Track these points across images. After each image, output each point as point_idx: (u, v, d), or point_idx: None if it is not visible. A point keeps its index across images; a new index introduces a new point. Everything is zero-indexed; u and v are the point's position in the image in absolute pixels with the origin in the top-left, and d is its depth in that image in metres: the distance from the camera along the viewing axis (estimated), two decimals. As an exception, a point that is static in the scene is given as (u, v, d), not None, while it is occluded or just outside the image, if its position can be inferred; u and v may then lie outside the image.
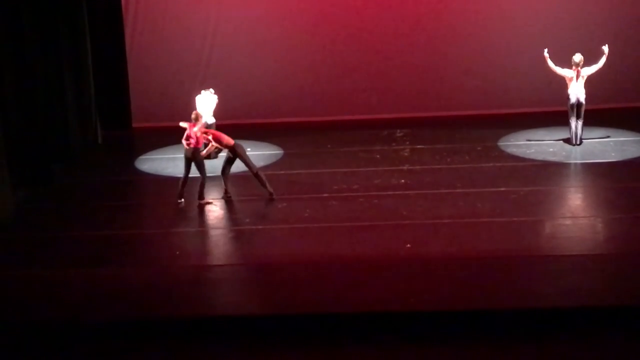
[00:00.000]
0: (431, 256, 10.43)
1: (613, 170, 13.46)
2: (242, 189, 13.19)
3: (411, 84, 17.52)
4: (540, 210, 11.92)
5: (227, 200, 12.76)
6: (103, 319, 9.11)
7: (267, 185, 12.68)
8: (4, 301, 9.57)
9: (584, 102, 14.56)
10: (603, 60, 14.58)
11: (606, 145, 14.72)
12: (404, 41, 17.49)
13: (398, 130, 16.34)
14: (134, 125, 17.70)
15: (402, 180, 13.31)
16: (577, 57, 14.57)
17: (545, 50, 14.69)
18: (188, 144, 12.58)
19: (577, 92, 14.58)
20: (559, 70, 14.66)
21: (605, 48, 14.58)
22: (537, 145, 14.97)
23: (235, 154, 12.68)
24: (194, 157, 12.58)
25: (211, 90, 15.18)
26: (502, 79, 17.41)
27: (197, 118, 12.68)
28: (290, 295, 9.43)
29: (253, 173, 12.74)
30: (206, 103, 15.10)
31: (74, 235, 11.59)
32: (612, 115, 16.19)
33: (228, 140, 12.66)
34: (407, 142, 15.56)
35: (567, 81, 14.65)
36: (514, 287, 9.41)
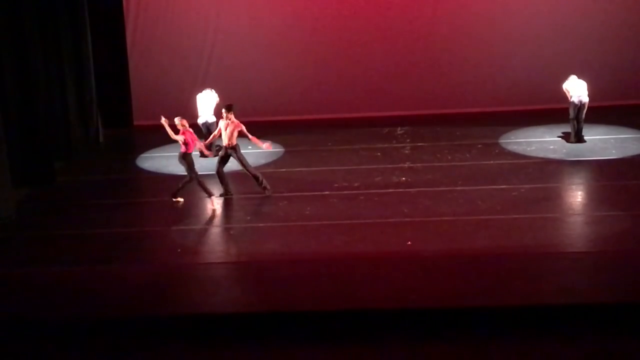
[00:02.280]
0: (432, 253, 10.44)
1: (613, 167, 13.47)
2: (242, 187, 13.22)
3: (412, 82, 17.53)
4: (540, 208, 11.92)
5: (228, 198, 12.78)
6: (104, 316, 9.13)
7: (265, 183, 12.69)
8: (5, 299, 9.60)
9: (586, 103, 14.59)
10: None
11: (606, 143, 14.74)
12: (405, 40, 17.50)
13: (399, 128, 16.37)
14: (135, 123, 17.73)
15: (403, 178, 13.33)
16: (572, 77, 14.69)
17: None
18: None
19: (579, 92, 14.61)
20: (567, 92, 14.75)
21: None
22: (538, 142, 14.99)
23: (234, 153, 12.69)
24: (186, 160, 12.61)
25: (212, 90, 15.22)
26: (503, 77, 17.42)
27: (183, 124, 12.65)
28: (291, 292, 9.44)
29: (251, 173, 12.74)
30: (207, 102, 15.13)
31: (75, 233, 11.62)
32: (613, 113, 16.19)
33: (234, 139, 12.65)
34: (408, 140, 15.58)
35: (569, 91, 14.71)
36: (514, 284, 9.41)
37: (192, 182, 12.62)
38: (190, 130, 12.64)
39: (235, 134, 12.70)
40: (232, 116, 12.72)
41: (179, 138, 12.51)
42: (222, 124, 12.82)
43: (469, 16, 17.45)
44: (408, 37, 17.50)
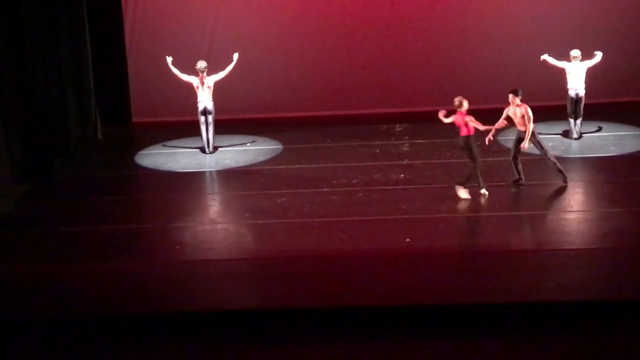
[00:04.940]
0: (430, 250, 10.45)
1: (612, 164, 13.48)
2: (239, 184, 13.23)
3: (410, 79, 17.52)
4: (539, 205, 11.93)
5: (519, 185, 12.54)
6: (102, 313, 9.13)
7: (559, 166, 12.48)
8: (4, 296, 9.59)
9: (583, 96, 14.61)
10: (595, 61, 14.68)
11: (605, 140, 14.74)
12: (403, 37, 17.50)
13: (397, 125, 16.37)
14: (134, 120, 17.73)
15: (402, 175, 13.33)
16: (575, 52, 14.63)
17: (546, 55, 14.73)
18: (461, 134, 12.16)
19: (576, 86, 14.62)
20: (559, 63, 14.72)
21: (598, 54, 14.64)
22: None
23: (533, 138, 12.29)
24: (467, 146, 12.15)
25: (205, 63, 14.86)
26: (501, 74, 17.41)
27: (461, 104, 12.14)
28: (290, 289, 9.45)
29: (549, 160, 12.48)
30: (205, 86, 14.84)
31: (74, 230, 11.61)
32: (611, 110, 16.19)
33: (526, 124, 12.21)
34: (407, 137, 15.58)
35: (566, 75, 14.69)
36: (512, 281, 9.43)
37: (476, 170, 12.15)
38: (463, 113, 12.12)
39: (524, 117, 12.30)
40: (517, 100, 12.37)
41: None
42: (511, 110, 12.49)
43: (467, 13, 17.45)
44: (407, 34, 17.49)
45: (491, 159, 14.00)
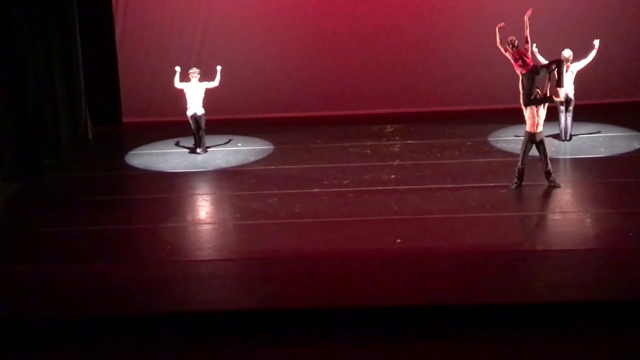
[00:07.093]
0: (421, 251, 10.46)
1: (602, 165, 13.53)
2: (233, 184, 13.22)
3: (402, 80, 17.53)
4: (529, 206, 11.96)
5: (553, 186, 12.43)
6: (93, 314, 9.11)
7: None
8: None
9: (572, 97, 14.65)
10: (592, 54, 14.67)
11: (595, 141, 14.78)
12: (395, 37, 17.50)
13: (388, 126, 16.38)
14: (124, 120, 17.68)
15: (392, 176, 13.34)
16: (567, 52, 14.65)
17: (534, 45, 14.76)
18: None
19: (566, 87, 14.63)
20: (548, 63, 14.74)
21: (596, 42, 14.66)
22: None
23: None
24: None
25: (197, 71, 14.92)
26: (492, 75, 17.44)
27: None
28: (280, 290, 9.45)
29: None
30: (195, 91, 14.87)
31: (64, 231, 11.58)
32: (601, 111, 16.24)
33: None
34: (397, 138, 15.59)
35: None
36: (503, 282, 9.45)
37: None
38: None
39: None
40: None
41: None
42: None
43: (457, 14, 17.46)
44: (398, 35, 17.49)
45: (481, 159, 14.05)
